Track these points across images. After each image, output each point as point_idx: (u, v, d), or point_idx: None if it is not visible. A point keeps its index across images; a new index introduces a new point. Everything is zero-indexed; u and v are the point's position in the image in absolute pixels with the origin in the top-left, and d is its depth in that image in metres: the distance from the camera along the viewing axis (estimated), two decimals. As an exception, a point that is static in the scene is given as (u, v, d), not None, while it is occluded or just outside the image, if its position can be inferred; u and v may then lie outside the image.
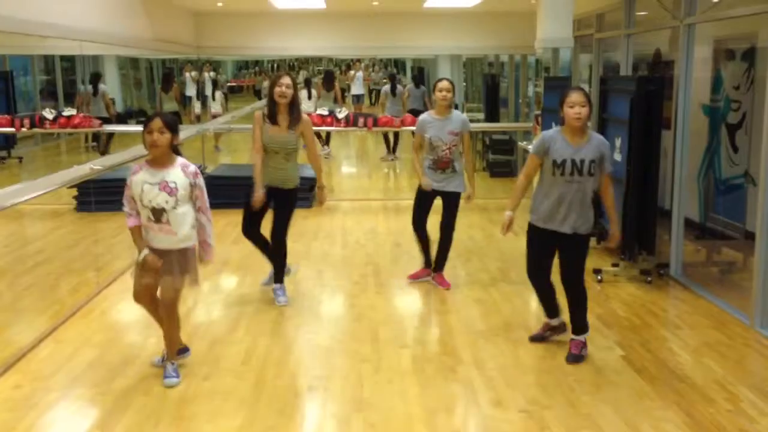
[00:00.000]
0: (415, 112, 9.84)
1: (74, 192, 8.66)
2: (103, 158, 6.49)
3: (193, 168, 4.03)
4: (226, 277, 6.31)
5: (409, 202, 9.46)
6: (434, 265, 5.89)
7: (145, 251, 4.02)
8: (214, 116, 13.82)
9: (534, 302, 5.70)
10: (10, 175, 12.01)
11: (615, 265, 6.16)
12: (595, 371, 4.27)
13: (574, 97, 4.17)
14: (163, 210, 3.93)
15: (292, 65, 26.75)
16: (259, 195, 5.20)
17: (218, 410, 3.80)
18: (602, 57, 8.33)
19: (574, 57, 8.71)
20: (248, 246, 5.66)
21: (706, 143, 6.86)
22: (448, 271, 6.00)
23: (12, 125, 10.59)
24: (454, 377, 4.22)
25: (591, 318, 5.12)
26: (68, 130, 10.94)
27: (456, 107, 6.37)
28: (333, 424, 3.71)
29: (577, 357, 4.39)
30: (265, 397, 3.96)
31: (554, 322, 4.67)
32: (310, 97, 13.20)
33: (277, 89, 5.13)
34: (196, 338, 4.79)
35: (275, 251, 5.46)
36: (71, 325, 5.08)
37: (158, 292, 4.14)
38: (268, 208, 5.38)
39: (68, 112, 10.55)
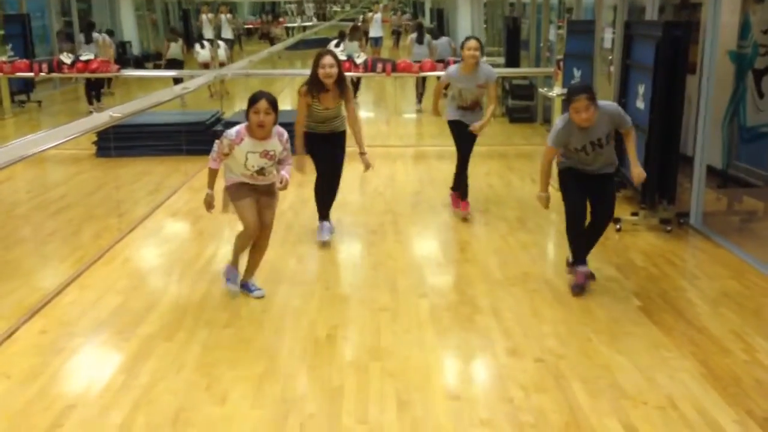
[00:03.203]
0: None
1: (94, 137, 8.69)
2: (123, 106, 6.48)
3: (286, 135, 4.49)
4: (246, 224, 6.36)
5: (429, 148, 9.48)
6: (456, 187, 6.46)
7: (210, 191, 4.51)
8: (204, 65, 13.61)
9: (552, 251, 5.73)
10: (30, 119, 12.08)
11: (634, 214, 6.12)
12: (612, 322, 4.29)
13: (577, 104, 4.36)
14: (264, 168, 4.48)
15: (307, 9, 26.36)
16: (300, 164, 5.46)
17: (240, 358, 3.88)
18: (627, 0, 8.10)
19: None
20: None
21: (731, 90, 6.72)
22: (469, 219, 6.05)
23: (30, 70, 10.61)
24: (472, 326, 4.26)
25: (609, 268, 5.15)
26: (86, 75, 10.95)
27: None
28: (351, 372, 3.77)
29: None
30: (285, 345, 4.04)
31: (588, 269, 4.76)
32: (338, 45, 13.13)
33: (321, 71, 5.24)
34: (217, 286, 4.86)
35: (335, 185, 5.80)
36: (95, 271, 5.17)
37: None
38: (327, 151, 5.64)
39: (86, 56, 10.54)
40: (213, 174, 4.51)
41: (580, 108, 4.36)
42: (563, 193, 4.74)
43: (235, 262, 4.71)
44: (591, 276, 4.77)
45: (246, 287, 4.71)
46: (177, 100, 9.42)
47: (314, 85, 5.30)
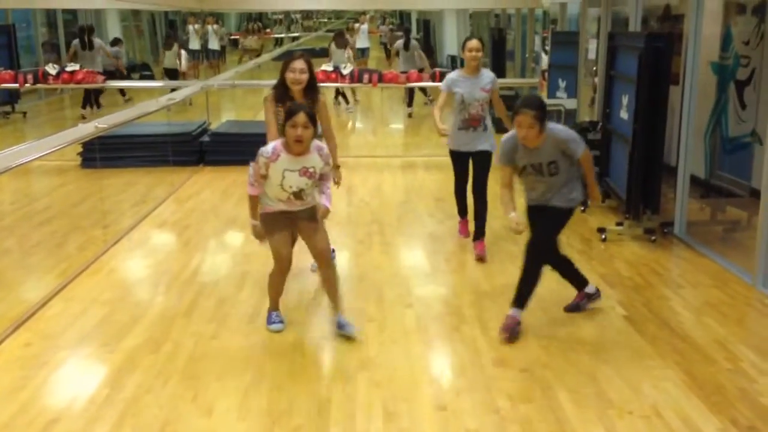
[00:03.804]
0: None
1: (79, 148, 8.65)
2: (108, 116, 6.46)
3: (326, 149, 4.14)
4: (232, 235, 6.35)
5: (416, 158, 9.51)
6: (474, 232, 5.73)
7: (254, 222, 4.17)
8: (182, 75, 13.60)
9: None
10: (15, 130, 12.02)
11: (619, 224, 6.17)
12: (597, 331, 4.32)
13: (520, 117, 4.04)
14: (303, 190, 4.09)
15: (295, 19, 26.43)
16: None
17: (226, 369, 3.87)
18: (611, 11, 8.19)
19: (583, 11, 8.57)
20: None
21: (714, 101, 6.80)
22: (454, 229, 6.06)
23: (15, 81, 10.56)
24: (458, 337, 4.27)
25: (594, 278, 5.17)
26: (71, 85, 10.91)
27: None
28: (338, 382, 3.77)
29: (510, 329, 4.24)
30: (272, 356, 4.03)
31: (589, 289, 4.59)
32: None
33: (290, 75, 4.65)
34: (203, 297, 4.85)
35: None
36: (80, 283, 5.14)
37: (311, 247, 4.27)
38: None
39: (71, 67, 10.50)
40: (254, 201, 4.14)
41: (523, 123, 4.04)
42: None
43: (274, 307, 4.40)
44: (508, 331, 4.19)
45: (339, 326, 4.25)
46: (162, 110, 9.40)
47: (280, 91, 4.72)
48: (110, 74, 12.10)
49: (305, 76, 4.66)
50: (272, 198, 4.13)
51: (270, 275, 4.36)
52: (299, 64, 4.65)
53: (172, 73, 13.37)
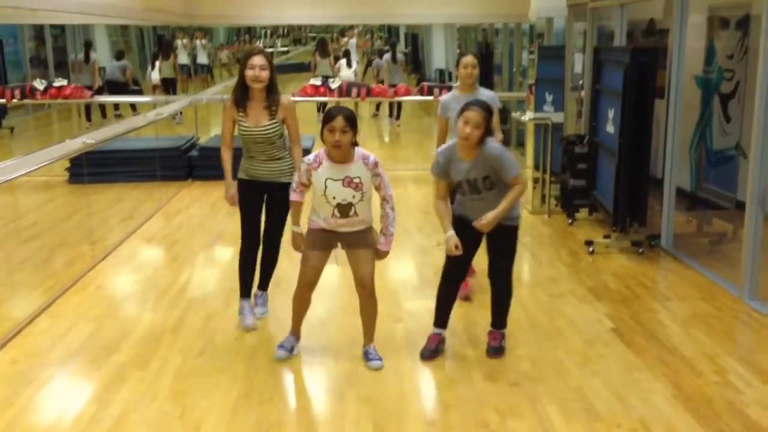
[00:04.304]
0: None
1: (66, 163, 8.62)
2: (96, 132, 6.45)
3: (372, 159, 3.88)
4: (221, 249, 6.34)
5: (404, 172, 9.52)
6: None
7: (296, 228, 4.03)
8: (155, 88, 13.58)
9: (525, 275, 5.76)
10: (2, 146, 11.94)
11: (607, 236, 6.20)
12: (585, 344, 4.33)
13: (469, 114, 3.86)
14: (350, 204, 3.87)
15: (285, 32, 26.52)
16: (231, 193, 4.47)
17: (214, 385, 3.85)
18: (596, 25, 8.27)
19: (568, 25, 8.64)
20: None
21: (698, 114, 6.86)
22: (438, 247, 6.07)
23: (2, 96, 10.53)
24: (447, 351, 4.27)
25: (582, 290, 5.20)
26: (59, 101, 10.89)
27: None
28: (327, 398, 3.77)
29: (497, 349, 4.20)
30: (260, 371, 4.02)
31: (445, 332, 4.33)
32: (349, 65, 13.24)
33: (249, 72, 4.24)
34: (192, 312, 4.84)
35: (268, 254, 4.67)
36: (67, 300, 5.11)
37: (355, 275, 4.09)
38: (261, 209, 4.59)
39: (59, 82, 10.49)
40: (296, 207, 4.01)
41: (471, 120, 3.82)
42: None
43: (293, 330, 4.21)
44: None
45: (364, 354, 4.14)
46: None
47: (240, 93, 4.33)
48: (119, 86, 12.15)
49: (266, 74, 4.27)
50: (318, 212, 3.95)
51: (293, 296, 4.18)
52: (258, 59, 4.25)
53: (170, 83, 13.36)
